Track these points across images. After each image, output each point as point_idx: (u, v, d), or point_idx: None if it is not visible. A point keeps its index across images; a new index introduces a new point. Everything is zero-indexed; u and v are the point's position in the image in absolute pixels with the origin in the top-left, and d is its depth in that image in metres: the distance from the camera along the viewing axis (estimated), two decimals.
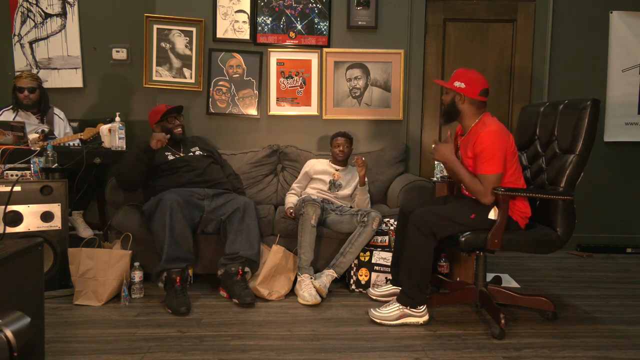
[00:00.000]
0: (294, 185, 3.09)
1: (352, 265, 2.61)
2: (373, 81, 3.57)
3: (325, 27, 3.51)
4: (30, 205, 2.41)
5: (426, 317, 2.16)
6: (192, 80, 3.50)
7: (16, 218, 2.39)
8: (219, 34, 3.49)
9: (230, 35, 3.49)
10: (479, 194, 2.12)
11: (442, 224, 2.11)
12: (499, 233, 2.07)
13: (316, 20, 3.50)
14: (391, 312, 2.16)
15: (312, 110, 3.57)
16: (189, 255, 2.47)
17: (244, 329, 2.10)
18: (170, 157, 2.80)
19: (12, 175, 2.46)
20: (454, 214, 2.15)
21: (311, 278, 2.50)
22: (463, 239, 2.09)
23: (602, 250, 3.67)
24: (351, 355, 1.86)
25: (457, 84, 2.19)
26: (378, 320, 2.17)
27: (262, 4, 3.48)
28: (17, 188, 2.38)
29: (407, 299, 2.16)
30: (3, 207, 2.33)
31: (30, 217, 2.41)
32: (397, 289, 2.38)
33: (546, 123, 2.35)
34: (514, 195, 2.10)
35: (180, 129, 2.89)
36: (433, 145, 2.31)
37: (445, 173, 2.96)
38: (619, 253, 3.65)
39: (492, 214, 2.10)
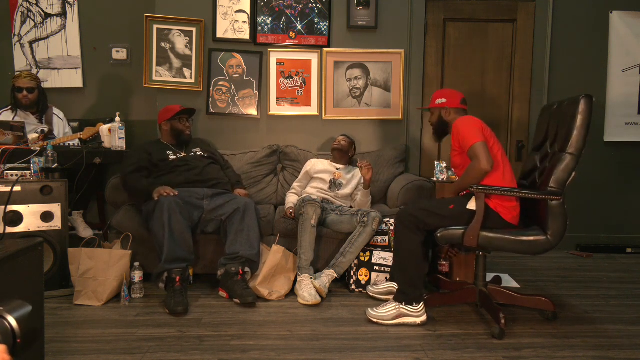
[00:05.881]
0: (295, 184, 3.09)
1: (352, 265, 2.61)
2: (373, 81, 3.57)
3: (325, 27, 3.51)
4: (30, 205, 2.41)
5: (424, 318, 2.15)
6: (192, 80, 3.50)
7: (16, 218, 2.39)
8: (219, 34, 3.49)
9: (230, 35, 3.50)
10: (477, 170, 2.09)
11: (423, 216, 2.16)
12: (476, 229, 2.07)
13: (316, 20, 3.50)
14: (388, 311, 2.16)
15: (312, 110, 3.57)
16: (189, 255, 2.46)
17: (244, 329, 2.10)
18: (172, 157, 2.81)
19: (12, 175, 2.46)
20: (435, 206, 2.21)
21: (311, 278, 2.50)
22: (439, 234, 2.13)
23: (602, 250, 3.67)
24: (351, 355, 1.86)
25: (438, 101, 2.39)
26: (375, 320, 2.17)
27: (262, 4, 3.48)
28: (17, 188, 2.38)
29: (401, 296, 2.17)
30: (3, 207, 2.33)
31: (30, 217, 2.41)
32: (394, 287, 2.38)
33: (554, 122, 2.30)
34: (488, 192, 2.07)
35: (189, 132, 2.93)
36: None
37: (446, 174, 2.97)
38: (619, 253, 3.65)
39: (472, 204, 2.11)
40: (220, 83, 3.52)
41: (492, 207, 2.13)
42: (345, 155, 3.08)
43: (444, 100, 2.36)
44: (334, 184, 2.97)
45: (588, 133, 2.07)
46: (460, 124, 2.21)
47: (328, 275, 2.53)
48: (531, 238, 2.09)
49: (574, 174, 2.08)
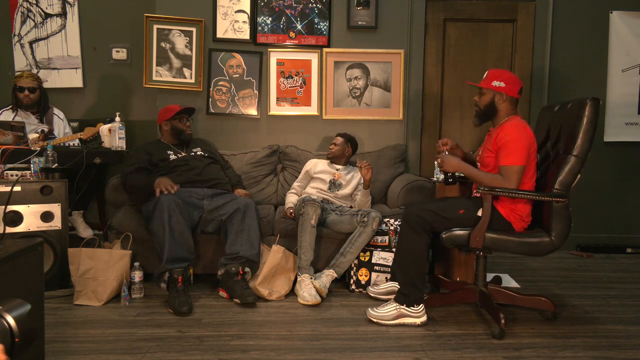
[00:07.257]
0: (295, 184, 3.09)
1: (352, 265, 2.61)
2: (373, 81, 3.57)
3: (325, 27, 3.51)
4: (30, 205, 2.41)
5: (424, 318, 2.15)
6: (192, 80, 3.50)
7: (16, 218, 2.39)
8: (219, 34, 3.49)
9: (230, 35, 3.50)
10: (502, 187, 2.05)
11: (432, 219, 2.13)
12: (482, 231, 2.06)
13: (316, 20, 3.50)
14: (388, 311, 2.16)
15: (312, 110, 3.57)
16: (190, 255, 2.47)
17: (244, 329, 2.10)
18: (172, 157, 2.81)
19: (12, 175, 2.46)
20: (444, 209, 2.17)
21: (311, 278, 2.50)
22: (445, 235, 2.11)
23: (602, 250, 3.67)
24: (351, 355, 1.86)
25: (495, 83, 2.17)
26: (375, 320, 2.17)
27: (262, 4, 3.48)
28: (17, 188, 2.38)
29: (402, 297, 2.16)
30: (3, 207, 2.33)
31: (30, 217, 2.41)
32: (395, 287, 2.38)
33: (556, 123, 2.29)
34: (495, 194, 2.05)
35: (189, 131, 2.93)
36: (439, 160, 2.28)
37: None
38: (619, 253, 3.65)
39: (481, 212, 2.10)
40: (220, 83, 3.52)
41: (504, 215, 2.12)
42: (342, 156, 3.08)
43: (502, 84, 2.16)
44: (334, 185, 2.97)
45: (594, 136, 2.06)
46: (511, 135, 2.07)
47: (328, 275, 2.53)
48: (535, 240, 2.09)
49: (579, 176, 2.07)
